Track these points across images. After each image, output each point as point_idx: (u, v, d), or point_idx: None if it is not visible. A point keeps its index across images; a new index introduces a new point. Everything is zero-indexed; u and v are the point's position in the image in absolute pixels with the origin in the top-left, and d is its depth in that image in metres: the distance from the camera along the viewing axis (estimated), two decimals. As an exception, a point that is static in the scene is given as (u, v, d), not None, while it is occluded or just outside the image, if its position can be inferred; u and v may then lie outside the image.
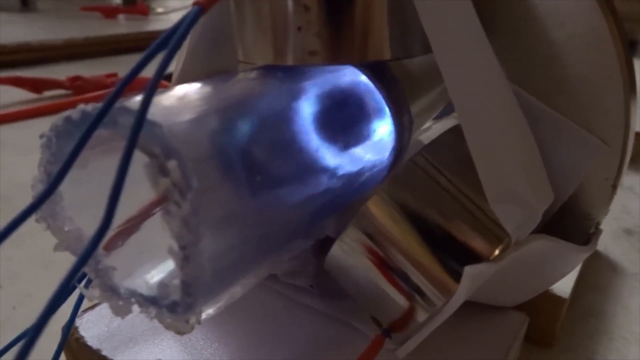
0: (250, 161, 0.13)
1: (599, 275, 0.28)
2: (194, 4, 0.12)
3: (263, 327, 0.19)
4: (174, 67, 0.21)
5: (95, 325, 0.18)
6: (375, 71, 0.18)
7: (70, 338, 0.17)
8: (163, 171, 0.11)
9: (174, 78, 0.21)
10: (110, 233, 0.15)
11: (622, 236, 0.32)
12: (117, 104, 0.11)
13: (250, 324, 0.19)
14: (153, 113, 0.11)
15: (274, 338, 0.18)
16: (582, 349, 0.22)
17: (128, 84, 0.11)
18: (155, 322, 0.13)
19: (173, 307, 0.12)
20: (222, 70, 0.21)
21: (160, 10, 1.04)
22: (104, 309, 0.19)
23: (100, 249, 0.14)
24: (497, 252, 0.15)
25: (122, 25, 0.89)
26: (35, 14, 0.92)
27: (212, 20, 0.20)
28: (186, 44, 0.20)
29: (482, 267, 0.14)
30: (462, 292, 0.14)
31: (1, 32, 0.74)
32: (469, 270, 0.13)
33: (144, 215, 0.15)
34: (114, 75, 0.57)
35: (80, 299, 0.17)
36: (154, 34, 0.11)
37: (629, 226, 0.33)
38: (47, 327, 0.11)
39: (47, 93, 0.54)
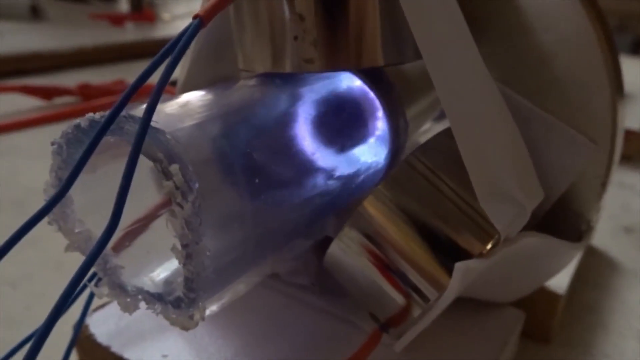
0: (250, 164, 0.13)
1: (597, 272, 0.28)
2: (194, 16, 0.13)
3: (266, 324, 0.19)
4: (178, 74, 0.22)
5: (104, 323, 0.18)
6: (370, 76, 0.18)
7: (80, 335, 0.18)
8: (166, 175, 0.11)
9: (178, 85, 0.22)
10: (118, 234, 0.15)
11: (621, 234, 0.32)
12: (123, 112, 0.12)
13: (253, 321, 0.20)
14: (156, 120, 0.12)
15: (277, 334, 0.19)
16: (580, 344, 0.23)
17: (133, 94, 0.12)
18: (162, 320, 0.13)
19: (177, 303, 0.13)
20: (224, 77, 0.21)
21: (166, 16, 1.05)
22: (113, 308, 0.19)
23: (108, 249, 0.15)
24: (487, 248, 0.15)
25: (130, 32, 0.90)
26: (45, 23, 0.93)
27: (215, 29, 0.20)
28: (189, 52, 0.21)
29: (472, 263, 0.14)
30: (454, 287, 0.14)
31: (12, 41, 0.75)
32: (459, 266, 0.14)
33: (150, 217, 0.16)
34: (122, 82, 0.58)
35: (90, 298, 0.17)
36: (161, 41, 0.12)
37: (628, 224, 0.33)
38: (59, 327, 0.11)
39: (57, 100, 0.56)
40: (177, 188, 0.11)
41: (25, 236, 0.12)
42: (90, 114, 0.12)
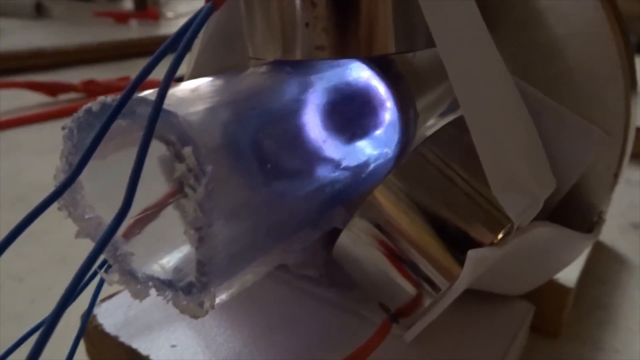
0: (260, 150, 0.13)
1: (606, 268, 0.28)
2: (206, 0, 0.13)
3: (274, 315, 0.19)
4: (185, 68, 0.22)
5: (113, 314, 0.18)
6: (381, 66, 0.18)
7: (89, 325, 0.18)
8: (179, 157, 0.11)
9: (186, 75, 0.22)
10: (128, 221, 0.15)
11: (629, 230, 0.32)
12: (134, 97, 0.12)
13: (262, 312, 0.19)
14: (168, 104, 0.12)
15: (285, 326, 0.19)
16: (589, 339, 0.23)
17: (147, 75, 0.12)
18: (171, 310, 0.13)
19: (189, 289, 0.12)
20: (233, 67, 0.21)
21: (170, 14, 1.05)
22: (121, 298, 0.19)
23: (119, 236, 0.14)
24: (499, 237, 0.15)
25: (134, 30, 0.91)
26: (49, 20, 0.94)
27: (223, 19, 0.20)
28: (197, 44, 0.21)
29: (484, 251, 0.14)
30: (466, 275, 0.14)
31: (17, 38, 0.75)
32: (471, 254, 0.14)
33: (161, 205, 0.16)
34: (126, 78, 0.58)
35: (99, 288, 0.17)
36: (165, 38, 0.12)
37: (636, 220, 0.33)
38: (66, 318, 0.11)
39: (62, 97, 0.56)
40: (189, 171, 0.11)
41: (31, 230, 0.11)
42: (102, 97, 0.12)
